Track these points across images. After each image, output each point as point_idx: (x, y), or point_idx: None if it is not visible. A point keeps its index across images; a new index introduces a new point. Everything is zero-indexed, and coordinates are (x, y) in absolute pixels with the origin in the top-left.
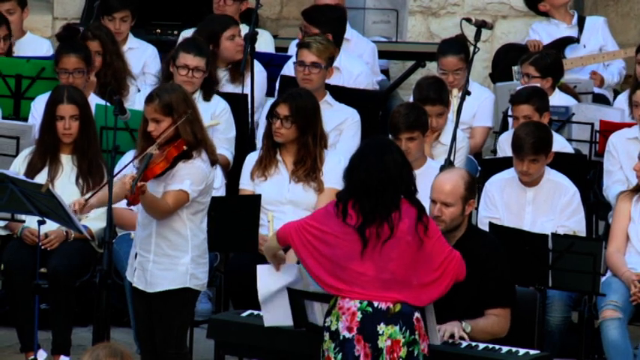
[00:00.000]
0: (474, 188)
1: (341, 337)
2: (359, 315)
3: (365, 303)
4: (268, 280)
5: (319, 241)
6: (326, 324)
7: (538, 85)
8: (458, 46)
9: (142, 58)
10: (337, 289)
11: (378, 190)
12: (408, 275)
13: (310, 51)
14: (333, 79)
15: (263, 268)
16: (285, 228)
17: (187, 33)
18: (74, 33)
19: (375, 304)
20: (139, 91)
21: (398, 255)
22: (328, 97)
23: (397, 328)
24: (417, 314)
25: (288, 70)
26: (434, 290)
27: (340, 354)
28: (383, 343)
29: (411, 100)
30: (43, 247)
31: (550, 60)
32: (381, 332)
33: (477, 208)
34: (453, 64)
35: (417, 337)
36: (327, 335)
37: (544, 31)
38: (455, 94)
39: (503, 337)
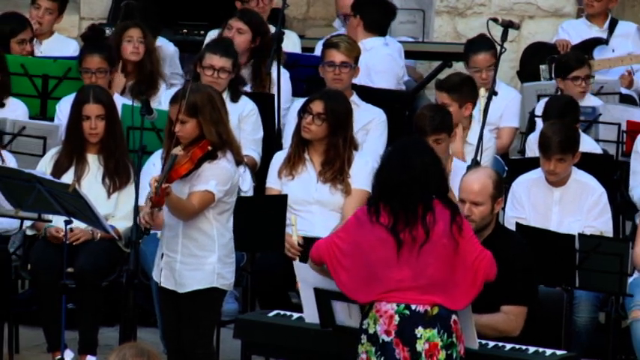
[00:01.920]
0: (501, 186)
1: (380, 341)
2: (397, 318)
3: (402, 306)
4: (307, 276)
5: (351, 252)
6: (363, 326)
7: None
8: (488, 42)
9: (165, 56)
10: (373, 300)
11: (404, 192)
12: (445, 278)
13: (339, 51)
14: None
15: (300, 264)
16: (316, 247)
17: (214, 33)
18: (99, 33)
19: (413, 307)
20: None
21: (435, 259)
22: (355, 97)
23: (435, 331)
24: (454, 316)
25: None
26: (469, 292)
27: (382, 357)
28: (421, 346)
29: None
30: (68, 242)
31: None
32: (419, 335)
33: (503, 208)
34: (486, 61)
35: (454, 339)
36: (364, 338)
37: (574, 30)
38: (482, 94)
39: (529, 337)
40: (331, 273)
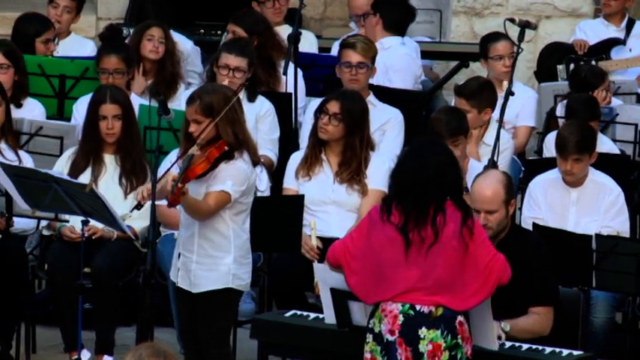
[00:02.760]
0: (512, 188)
1: (385, 340)
2: (400, 318)
3: (407, 306)
4: (327, 277)
5: (360, 254)
6: (369, 325)
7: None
8: (504, 34)
9: (181, 52)
10: (380, 301)
11: (417, 192)
12: (453, 280)
13: (356, 51)
14: None
15: (320, 266)
16: (332, 250)
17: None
18: (117, 33)
19: (417, 307)
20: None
21: (444, 260)
22: (371, 97)
23: (439, 332)
24: (459, 318)
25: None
26: (477, 295)
27: (386, 357)
28: (424, 347)
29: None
30: (87, 236)
31: None
32: (422, 336)
33: (520, 208)
34: (509, 48)
35: (459, 340)
36: (370, 337)
37: (591, 30)
38: (499, 94)
39: (546, 338)
40: (344, 275)
